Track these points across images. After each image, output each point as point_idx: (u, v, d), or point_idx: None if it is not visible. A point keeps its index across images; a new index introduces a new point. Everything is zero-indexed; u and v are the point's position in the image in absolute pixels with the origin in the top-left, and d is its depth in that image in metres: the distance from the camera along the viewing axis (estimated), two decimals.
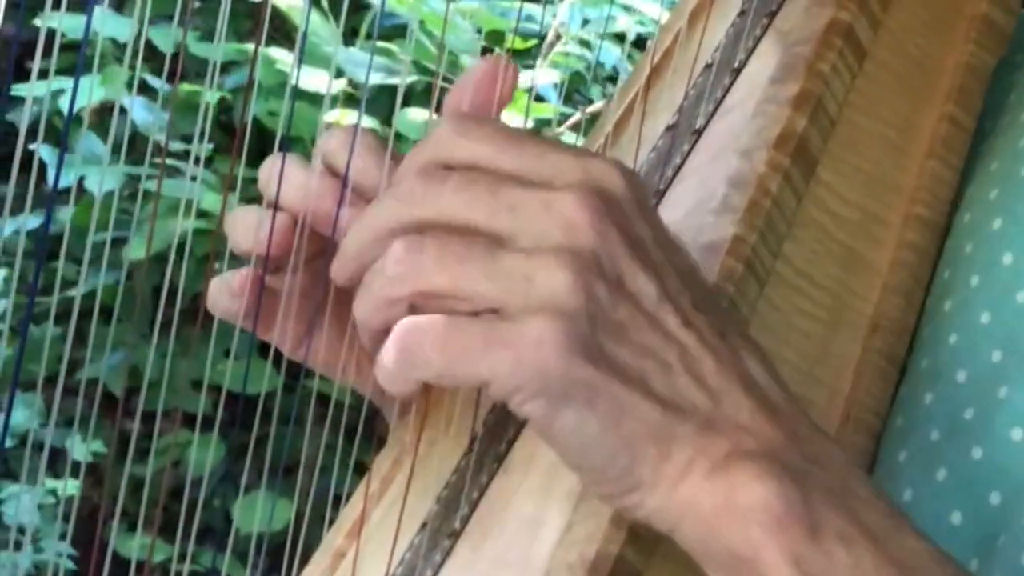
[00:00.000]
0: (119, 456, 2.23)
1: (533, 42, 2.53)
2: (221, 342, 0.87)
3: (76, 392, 0.83)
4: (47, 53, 0.67)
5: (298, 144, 2.37)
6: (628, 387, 0.63)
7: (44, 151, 0.66)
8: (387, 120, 2.38)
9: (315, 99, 2.31)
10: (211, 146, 2.31)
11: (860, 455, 0.80)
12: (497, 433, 0.78)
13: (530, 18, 2.57)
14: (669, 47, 0.94)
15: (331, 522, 0.81)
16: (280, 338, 0.81)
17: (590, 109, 2.52)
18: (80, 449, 2.07)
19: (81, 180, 2.06)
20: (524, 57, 2.56)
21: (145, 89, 2.31)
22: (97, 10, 0.70)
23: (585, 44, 2.55)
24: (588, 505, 0.70)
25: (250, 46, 2.54)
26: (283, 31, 2.61)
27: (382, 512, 0.80)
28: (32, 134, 0.70)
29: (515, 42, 2.48)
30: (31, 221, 1.92)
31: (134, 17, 0.68)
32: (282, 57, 2.48)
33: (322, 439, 0.84)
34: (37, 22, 0.72)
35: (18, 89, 1.85)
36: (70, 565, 2.19)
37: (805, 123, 0.82)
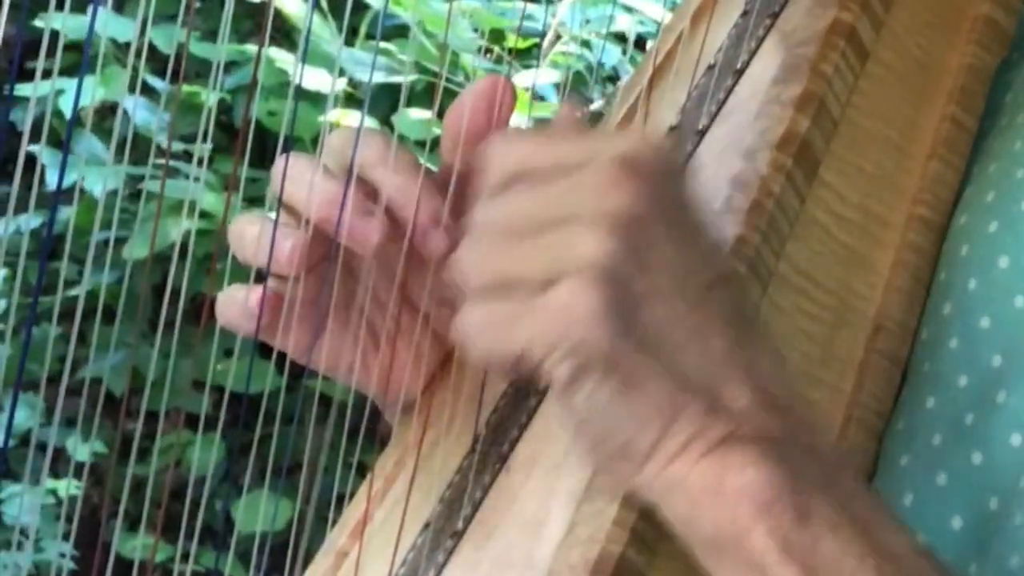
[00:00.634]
0: (120, 456, 2.23)
1: (534, 41, 2.54)
2: (222, 342, 0.87)
3: (77, 392, 0.83)
4: (48, 54, 0.67)
5: (298, 144, 2.37)
6: (647, 358, 0.64)
7: (45, 153, 0.66)
8: (387, 120, 2.38)
9: (315, 99, 2.31)
10: (211, 146, 2.31)
11: (862, 455, 0.80)
12: (500, 433, 0.78)
13: (530, 17, 2.57)
14: (672, 48, 0.94)
15: (332, 522, 0.81)
16: (285, 342, 0.81)
17: (588, 109, 2.52)
18: (81, 449, 2.07)
19: (81, 180, 2.06)
20: (525, 57, 2.57)
21: (146, 89, 2.30)
22: (98, 10, 0.70)
23: (585, 44, 2.55)
24: (591, 505, 0.70)
25: (249, 46, 2.53)
26: (282, 31, 2.61)
27: (385, 512, 0.80)
28: (31, 134, 0.70)
29: (517, 41, 2.48)
30: (30, 221, 1.92)
31: (137, 17, 0.67)
32: (282, 57, 2.47)
33: (324, 439, 0.84)
34: (37, 23, 0.72)
35: (21, 89, 1.85)
36: (71, 565, 2.19)
37: (808, 124, 0.82)
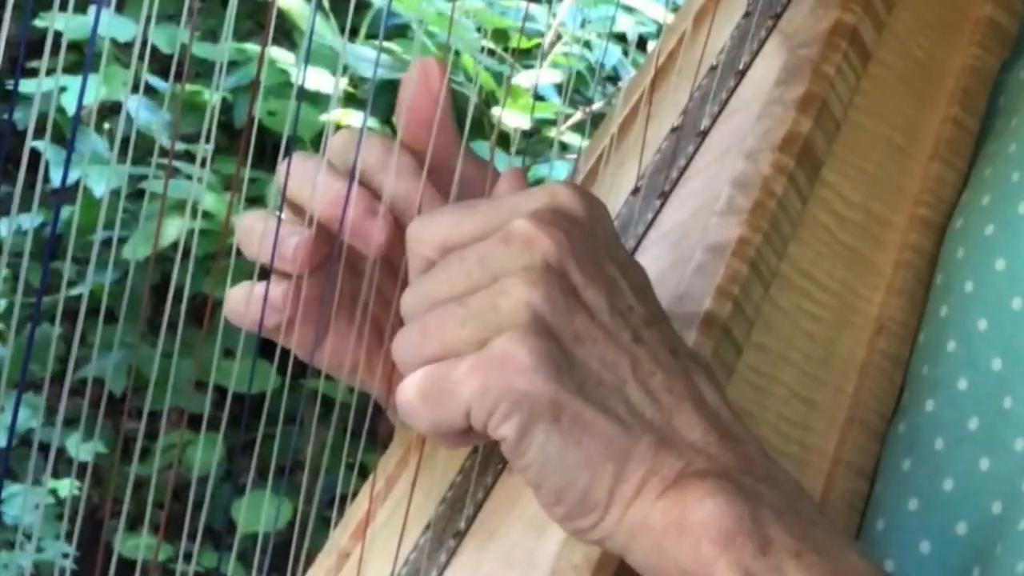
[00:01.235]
0: (121, 456, 2.23)
1: (536, 41, 2.54)
2: (222, 342, 0.87)
3: (78, 392, 0.83)
4: (49, 53, 0.67)
5: (298, 144, 2.37)
6: (588, 403, 0.64)
7: (49, 150, 0.66)
8: (388, 120, 2.38)
9: (315, 98, 2.31)
10: (213, 147, 2.31)
11: (864, 457, 0.80)
12: None
13: (531, 18, 2.57)
14: (674, 49, 0.94)
15: (334, 523, 0.81)
16: (290, 340, 0.81)
17: (591, 109, 2.52)
18: (81, 449, 2.07)
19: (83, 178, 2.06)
20: (527, 56, 2.57)
21: (147, 89, 2.30)
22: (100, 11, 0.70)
23: (586, 45, 2.55)
24: None
25: (249, 46, 2.53)
26: (282, 30, 2.61)
27: (387, 512, 0.80)
28: (28, 133, 0.70)
29: (520, 41, 2.48)
30: (28, 220, 1.92)
31: (140, 17, 0.67)
32: (282, 56, 2.47)
33: (325, 439, 0.84)
34: (37, 22, 0.72)
35: (25, 84, 1.85)
36: (72, 565, 2.19)
37: (810, 125, 0.82)
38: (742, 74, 0.88)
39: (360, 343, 0.80)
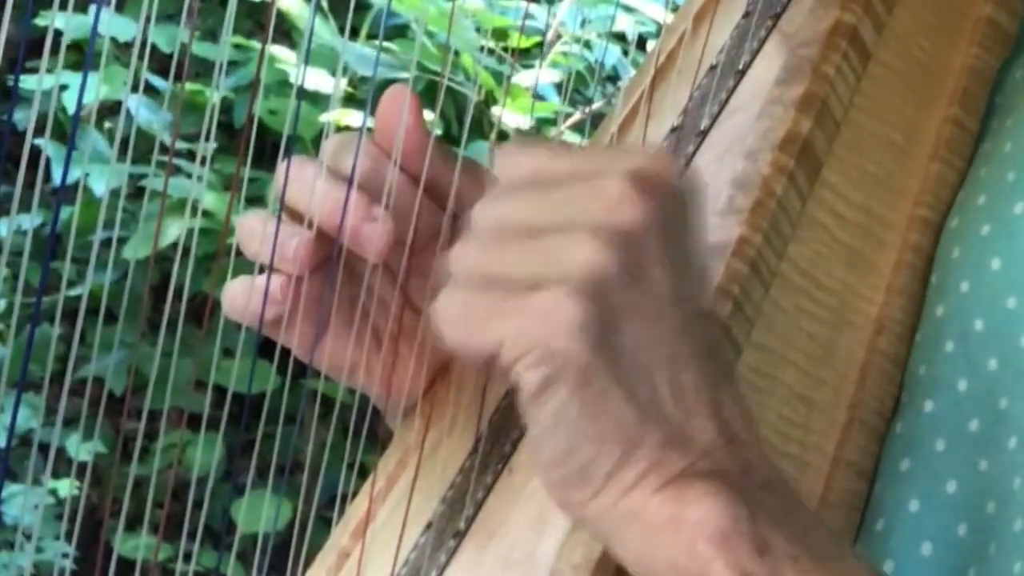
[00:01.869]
0: (120, 456, 2.23)
1: (536, 40, 2.54)
2: (222, 341, 0.87)
3: (78, 392, 0.83)
4: (47, 53, 0.67)
5: (298, 144, 2.37)
6: (616, 381, 0.63)
7: (50, 147, 0.66)
8: None
9: (315, 98, 2.31)
10: (215, 146, 2.31)
11: (864, 457, 0.80)
12: (502, 433, 0.78)
13: (530, 17, 2.57)
14: (673, 49, 0.94)
15: (334, 523, 0.81)
16: (289, 338, 0.81)
17: (591, 108, 2.52)
18: (81, 449, 2.07)
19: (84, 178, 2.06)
20: (527, 56, 2.57)
21: (147, 88, 2.31)
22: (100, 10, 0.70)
23: (585, 44, 2.55)
24: None
25: (249, 43, 2.53)
26: (281, 30, 2.61)
27: (387, 512, 0.80)
28: (28, 133, 0.70)
29: (519, 40, 2.48)
30: (28, 220, 1.92)
31: (140, 16, 0.67)
32: (283, 56, 2.48)
33: (325, 439, 0.84)
34: (38, 21, 0.72)
35: (26, 81, 1.85)
36: (72, 565, 2.19)
37: (810, 125, 0.82)
38: (742, 74, 0.88)
39: (359, 345, 0.80)
